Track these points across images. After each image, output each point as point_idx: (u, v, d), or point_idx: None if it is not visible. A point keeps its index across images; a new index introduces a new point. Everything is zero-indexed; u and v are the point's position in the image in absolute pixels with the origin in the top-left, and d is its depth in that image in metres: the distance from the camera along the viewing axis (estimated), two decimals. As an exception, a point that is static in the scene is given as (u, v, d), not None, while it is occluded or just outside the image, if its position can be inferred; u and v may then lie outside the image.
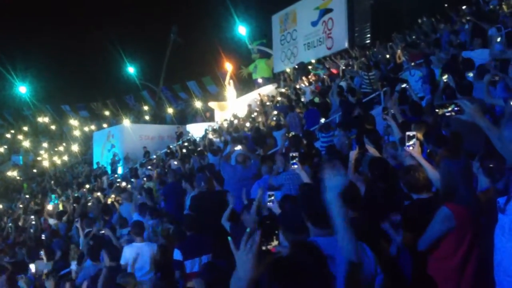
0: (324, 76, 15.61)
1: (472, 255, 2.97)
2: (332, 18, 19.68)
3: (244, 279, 1.58)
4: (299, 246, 1.84)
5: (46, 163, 27.16)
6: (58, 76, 39.27)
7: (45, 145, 32.61)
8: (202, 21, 34.93)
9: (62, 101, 35.89)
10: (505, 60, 7.43)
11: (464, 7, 13.64)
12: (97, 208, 10.57)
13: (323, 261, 1.69)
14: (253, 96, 20.64)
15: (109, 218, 8.79)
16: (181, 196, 8.13)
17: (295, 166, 4.48)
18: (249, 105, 18.70)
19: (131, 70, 29.27)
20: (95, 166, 22.08)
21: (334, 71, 15.51)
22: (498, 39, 8.42)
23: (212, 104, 22.61)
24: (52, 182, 22.41)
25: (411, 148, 3.60)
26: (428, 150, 4.77)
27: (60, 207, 13.79)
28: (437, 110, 3.57)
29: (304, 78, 17.58)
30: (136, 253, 5.67)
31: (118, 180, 16.03)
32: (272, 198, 4.21)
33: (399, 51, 11.97)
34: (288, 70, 22.04)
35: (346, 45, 18.68)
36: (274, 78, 23.68)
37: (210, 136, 15.35)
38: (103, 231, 7.24)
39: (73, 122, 33.57)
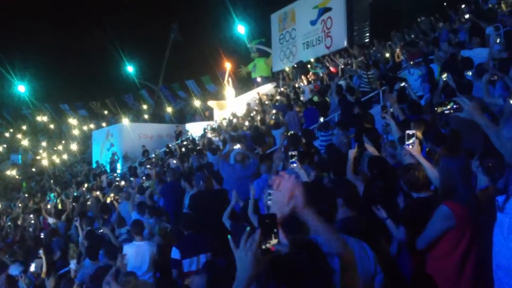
0: (323, 75, 15.62)
1: (471, 254, 2.97)
2: (331, 17, 19.69)
3: (243, 278, 1.58)
4: (298, 244, 1.83)
5: (45, 162, 27.09)
6: (57, 75, 39.35)
7: (44, 144, 32.56)
8: (201, 20, 35.03)
9: (61, 100, 35.99)
10: (504, 59, 7.43)
11: (463, 6, 13.67)
12: (96, 207, 10.57)
13: (322, 259, 1.69)
14: (252, 95, 20.65)
15: (108, 217, 8.79)
16: (180, 195, 8.13)
17: (294, 164, 4.48)
18: (248, 104, 18.71)
19: (130, 69, 29.30)
20: (94, 165, 22.07)
21: (333, 70, 15.51)
22: (498, 40, 8.42)
23: (211, 103, 22.60)
24: (51, 181, 22.39)
25: (410, 146, 3.60)
26: (427, 149, 4.76)
27: (59, 206, 13.79)
28: (436, 108, 3.57)
29: (303, 77, 17.60)
30: (136, 252, 5.67)
31: (117, 179, 16.03)
32: (272, 196, 4.20)
33: (398, 50, 11.97)
34: (287, 69, 22.05)
35: (345, 44, 18.70)
36: (273, 77, 23.70)
37: (209, 135, 15.35)
38: (101, 230, 7.24)
39: (72, 121, 33.55)
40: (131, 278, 4.68)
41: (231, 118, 17.32)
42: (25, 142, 33.24)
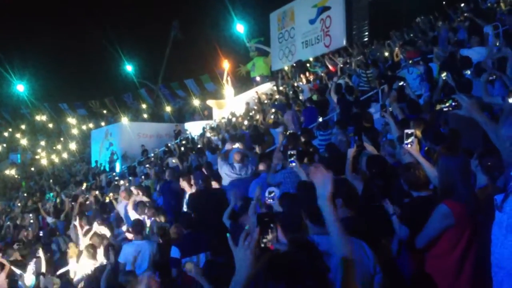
0: (322, 74, 15.61)
1: (470, 253, 2.97)
2: (330, 16, 19.68)
3: (242, 276, 1.59)
4: (297, 244, 1.84)
5: (44, 162, 27.06)
6: (56, 75, 39.30)
7: (43, 143, 32.52)
8: (200, 19, 34.98)
9: (60, 100, 35.92)
10: (502, 58, 7.43)
11: (462, 4, 13.67)
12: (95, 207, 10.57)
13: (320, 259, 1.69)
14: (251, 94, 20.62)
15: (107, 216, 8.79)
16: (179, 194, 8.12)
17: (293, 164, 4.48)
18: (247, 103, 18.69)
19: (129, 68, 29.23)
20: (93, 165, 22.06)
21: (332, 69, 15.51)
22: (497, 42, 8.41)
23: (210, 102, 22.58)
24: (50, 180, 22.37)
25: (409, 145, 3.60)
26: (426, 148, 4.76)
27: (58, 205, 13.78)
28: (435, 106, 3.57)
29: (302, 76, 17.59)
30: (136, 251, 5.67)
31: (116, 178, 16.01)
32: (273, 194, 4.21)
33: (397, 49, 11.97)
34: (286, 68, 22.04)
35: (344, 43, 18.69)
36: (272, 76, 23.67)
37: (208, 134, 15.34)
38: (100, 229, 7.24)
39: (71, 120, 33.52)
40: (131, 278, 4.69)
41: (230, 117, 17.31)
42: (24, 142, 33.19)
